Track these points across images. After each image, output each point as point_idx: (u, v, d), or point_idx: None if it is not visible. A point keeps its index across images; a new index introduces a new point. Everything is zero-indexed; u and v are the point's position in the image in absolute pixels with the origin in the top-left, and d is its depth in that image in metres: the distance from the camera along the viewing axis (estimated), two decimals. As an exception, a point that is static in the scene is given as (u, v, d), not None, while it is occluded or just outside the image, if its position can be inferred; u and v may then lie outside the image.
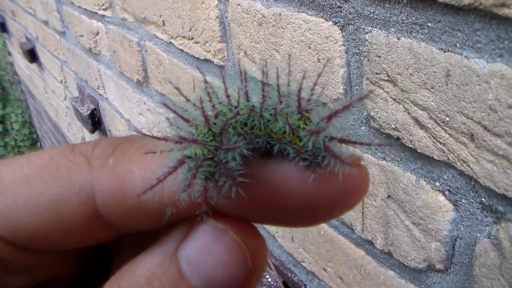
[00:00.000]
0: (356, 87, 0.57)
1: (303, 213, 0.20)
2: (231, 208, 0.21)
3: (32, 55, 2.60)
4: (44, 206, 0.22)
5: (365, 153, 0.60)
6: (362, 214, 0.64)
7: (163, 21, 0.96)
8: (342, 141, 0.18)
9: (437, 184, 0.52)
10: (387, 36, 0.51)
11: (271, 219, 0.21)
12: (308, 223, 0.21)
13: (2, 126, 4.84)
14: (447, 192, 0.52)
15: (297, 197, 0.19)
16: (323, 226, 0.73)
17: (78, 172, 0.22)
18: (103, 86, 1.56)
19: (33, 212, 0.22)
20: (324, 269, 0.77)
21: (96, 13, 1.36)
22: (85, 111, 1.76)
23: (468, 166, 0.47)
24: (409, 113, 0.51)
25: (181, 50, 0.94)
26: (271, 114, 0.18)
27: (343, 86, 0.58)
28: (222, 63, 0.82)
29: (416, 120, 0.51)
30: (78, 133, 2.30)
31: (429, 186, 0.53)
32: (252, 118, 0.18)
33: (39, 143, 4.51)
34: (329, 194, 0.19)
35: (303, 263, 0.83)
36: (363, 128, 0.59)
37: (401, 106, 0.52)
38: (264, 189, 0.20)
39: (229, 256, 0.20)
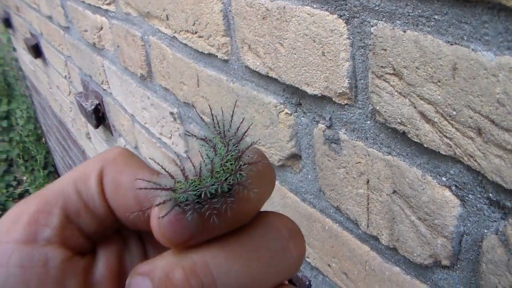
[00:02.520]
0: (361, 80, 0.57)
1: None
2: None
3: (36, 51, 2.60)
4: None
5: (370, 147, 0.59)
6: (367, 210, 0.63)
7: (166, 15, 0.96)
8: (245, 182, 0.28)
9: (444, 179, 0.52)
10: (393, 29, 0.50)
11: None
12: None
13: (7, 121, 4.85)
14: (453, 187, 0.51)
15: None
16: (328, 221, 0.73)
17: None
18: (107, 81, 1.56)
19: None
20: (329, 265, 0.77)
21: (99, 7, 1.36)
22: (89, 106, 1.76)
23: (475, 161, 0.47)
24: (415, 107, 0.51)
25: (185, 44, 0.93)
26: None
27: (348, 80, 0.58)
28: (226, 57, 0.81)
29: (422, 114, 0.50)
30: (82, 128, 2.30)
31: (435, 181, 0.53)
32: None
33: (43, 139, 4.52)
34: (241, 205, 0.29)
35: (307, 259, 0.83)
36: (368, 122, 0.58)
37: (407, 100, 0.51)
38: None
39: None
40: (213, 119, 0.30)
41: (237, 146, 0.29)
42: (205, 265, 0.28)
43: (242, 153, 0.28)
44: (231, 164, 0.28)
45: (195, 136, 0.30)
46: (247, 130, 0.29)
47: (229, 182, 0.28)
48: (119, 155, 0.34)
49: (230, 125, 0.30)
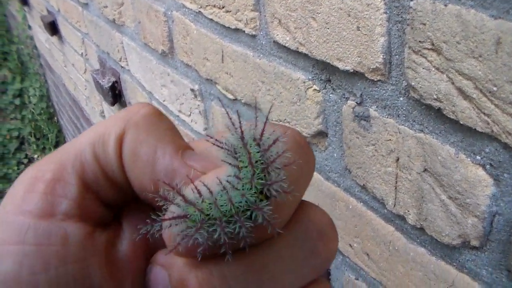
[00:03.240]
0: (396, 56, 0.56)
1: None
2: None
3: (53, 28, 2.59)
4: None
5: (402, 125, 0.58)
6: (395, 188, 0.62)
7: (192, -10, 0.95)
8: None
9: (478, 157, 0.51)
10: (434, 3, 0.49)
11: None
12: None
13: (20, 99, 4.87)
14: (487, 166, 0.50)
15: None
16: (352, 200, 0.72)
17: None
18: (126, 58, 1.55)
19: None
20: (350, 245, 0.76)
21: (121, -17, 1.35)
22: (106, 83, 1.76)
23: (514, 138, 0.46)
24: (453, 83, 0.50)
25: (211, 19, 0.92)
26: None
27: (383, 56, 0.57)
28: (253, 32, 0.80)
29: (460, 90, 0.49)
30: (97, 106, 2.31)
31: (469, 159, 0.52)
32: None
33: (55, 117, 4.53)
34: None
35: (327, 239, 0.82)
36: (401, 99, 0.58)
37: (444, 75, 0.51)
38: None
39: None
40: (240, 124, 0.25)
41: (266, 169, 0.25)
42: (223, 277, 0.26)
43: (270, 184, 0.24)
44: (255, 193, 0.25)
45: (219, 144, 0.26)
46: (282, 154, 0.25)
47: (250, 217, 0.24)
48: (143, 119, 0.29)
49: (262, 137, 0.25)
